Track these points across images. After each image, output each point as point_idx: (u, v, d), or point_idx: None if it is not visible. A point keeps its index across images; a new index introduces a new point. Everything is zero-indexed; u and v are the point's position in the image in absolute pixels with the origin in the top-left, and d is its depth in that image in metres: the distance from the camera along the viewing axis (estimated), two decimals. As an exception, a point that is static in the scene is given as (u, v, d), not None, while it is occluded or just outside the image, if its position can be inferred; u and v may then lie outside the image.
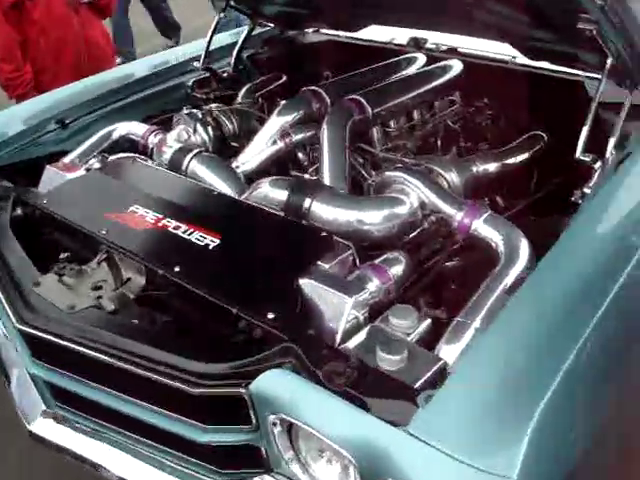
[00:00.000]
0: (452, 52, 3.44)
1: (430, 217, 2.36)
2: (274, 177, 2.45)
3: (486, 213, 2.23)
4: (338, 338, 1.69)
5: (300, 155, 3.01)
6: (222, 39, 3.78)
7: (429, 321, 1.74)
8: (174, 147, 2.75)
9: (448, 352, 1.63)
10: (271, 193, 2.37)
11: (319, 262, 1.91)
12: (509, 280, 1.88)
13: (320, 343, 1.64)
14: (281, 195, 2.36)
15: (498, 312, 1.63)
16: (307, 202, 2.31)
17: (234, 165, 2.75)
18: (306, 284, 1.83)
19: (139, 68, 3.53)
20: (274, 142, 2.91)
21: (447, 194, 2.37)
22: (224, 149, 3.08)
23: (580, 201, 2.12)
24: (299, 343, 1.60)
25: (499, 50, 3.10)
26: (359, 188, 2.66)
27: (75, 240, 2.34)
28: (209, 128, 3.05)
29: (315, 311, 1.77)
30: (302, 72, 3.68)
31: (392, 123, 3.07)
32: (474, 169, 2.64)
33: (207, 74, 3.58)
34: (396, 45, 3.46)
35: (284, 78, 3.70)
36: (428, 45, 3.34)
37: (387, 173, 2.47)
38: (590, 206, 2.05)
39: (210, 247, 2.04)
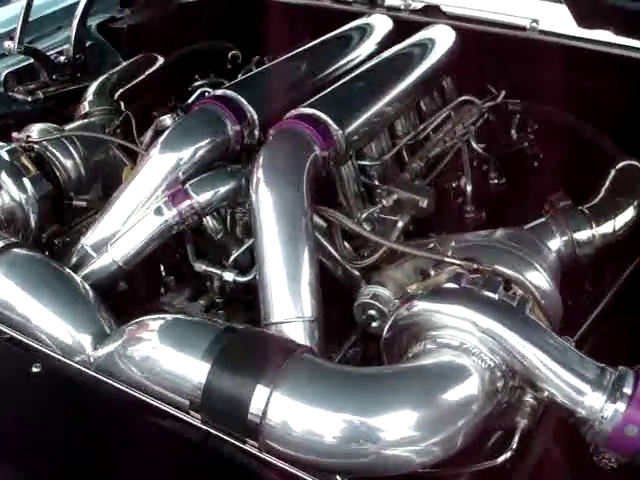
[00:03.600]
0: (433, 12, 2.08)
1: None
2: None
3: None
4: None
5: (209, 224, 1.58)
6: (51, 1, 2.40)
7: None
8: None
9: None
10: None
11: None
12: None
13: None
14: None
15: None
16: (259, 400, 0.97)
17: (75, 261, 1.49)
18: None
19: None
20: (158, 210, 1.45)
21: (574, 356, 1.06)
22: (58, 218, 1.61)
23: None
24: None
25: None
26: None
27: None
28: (25, 181, 1.56)
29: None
30: (194, 51, 2.40)
31: (370, 150, 1.68)
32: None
33: (30, 60, 2.22)
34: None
35: (160, 61, 2.29)
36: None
37: (421, 304, 1.11)
38: None
39: None
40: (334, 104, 1.59)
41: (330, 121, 1.50)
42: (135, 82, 2.21)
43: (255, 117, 1.61)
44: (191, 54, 2.43)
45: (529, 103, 1.89)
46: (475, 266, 1.19)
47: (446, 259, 1.24)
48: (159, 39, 2.45)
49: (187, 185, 1.49)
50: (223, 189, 1.50)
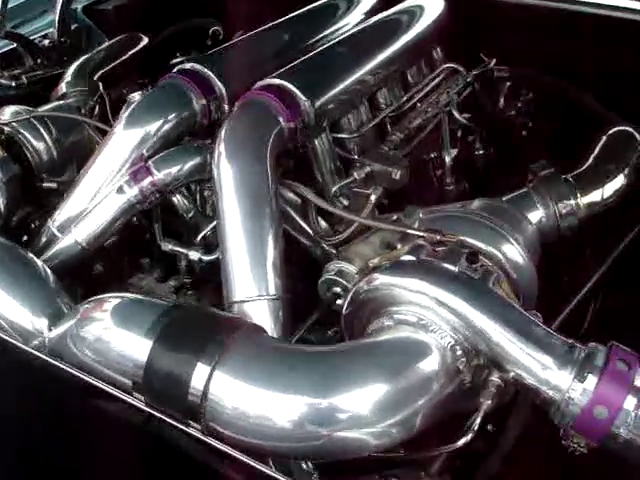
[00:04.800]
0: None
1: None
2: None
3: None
4: None
5: (179, 202, 1.52)
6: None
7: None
8: None
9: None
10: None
11: None
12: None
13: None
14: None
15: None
16: (200, 379, 0.92)
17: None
18: None
19: None
20: (120, 189, 1.40)
21: (541, 332, 0.99)
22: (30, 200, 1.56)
23: None
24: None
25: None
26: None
27: None
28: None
29: None
30: (180, 30, 2.35)
31: (348, 122, 1.60)
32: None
33: (13, 44, 2.16)
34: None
35: (145, 41, 2.23)
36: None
37: (380, 277, 1.04)
38: None
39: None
40: (305, 74, 1.52)
41: (297, 91, 1.42)
42: (116, 63, 2.16)
43: (223, 91, 1.54)
44: (177, 33, 2.37)
45: (518, 70, 1.79)
46: (438, 237, 1.11)
47: (408, 230, 1.16)
48: (146, 19, 2.38)
49: (150, 162, 1.43)
50: (187, 165, 1.44)
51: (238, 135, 1.36)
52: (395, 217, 1.27)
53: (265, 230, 1.30)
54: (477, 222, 1.21)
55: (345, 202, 1.55)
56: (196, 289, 1.52)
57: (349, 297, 1.14)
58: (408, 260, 1.07)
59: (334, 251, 1.48)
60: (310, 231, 1.49)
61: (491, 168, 1.75)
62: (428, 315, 1.03)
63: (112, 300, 1.16)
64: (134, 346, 1.07)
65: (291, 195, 1.53)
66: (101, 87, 2.00)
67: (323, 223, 1.55)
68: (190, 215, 1.56)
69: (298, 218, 1.51)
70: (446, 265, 1.04)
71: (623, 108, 1.63)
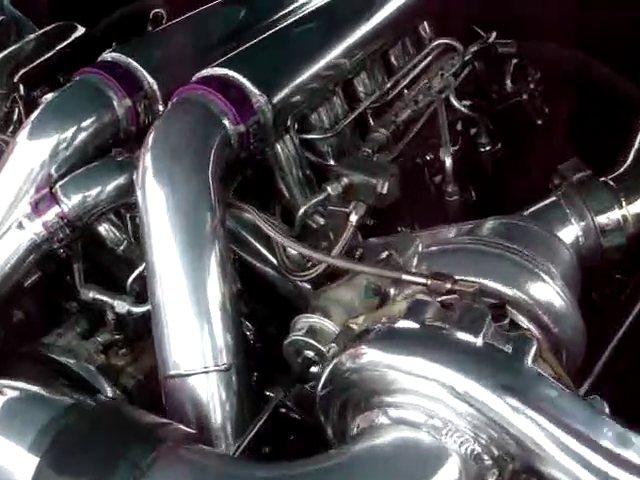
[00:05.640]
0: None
1: None
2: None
3: None
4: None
5: (107, 232, 1.19)
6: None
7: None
8: None
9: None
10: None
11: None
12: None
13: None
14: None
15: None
16: None
17: None
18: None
19: None
20: (20, 224, 1.06)
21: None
22: None
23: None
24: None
25: None
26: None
27: None
28: None
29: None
30: (123, 17, 1.97)
31: (320, 118, 1.26)
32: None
33: None
34: None
35: (79, 31, 1.86)
36: None
37: (368, 352, 0.70)
38: None
39: None
40: (259, 60, 1.17)
41: (247, 83, 1.08)
42: (44, 58, 1.81)
43: (155, 87, 1.19)
44: (119, 20, 2.01)
45: (527, 43, 1.44)
46: (448, 286, 0.77)
47: (404, 277, 0.82)
48: (85, 7, 2.03)
49: (57, 186, 1.08)
50: (108, 187, 1.10)
51: (169, 145, 1.02)
52: (385, 253, 0.92)
53: (209, 273, 0.96)
54: (497, 256, 0.87)
55: (321, 221, 1.21)
56: (130, 346, 1.18)
57: (325, 376, 0.80)
58: (408, 327, 0.73)
59: (308, 286, 1.16)
60: (274, 260, 1.16)
61: (501, 168, 1.40)
62: (440, 411, 0.69)
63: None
64: (16, 464, 0.74)
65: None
66: (22, 88, 1.66)
67: (292, 250, 1.22)
68: (121, 248, 1.22)
69: (259, 245, 1.17)
70: (464, 335, 0.70)
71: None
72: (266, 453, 1.12)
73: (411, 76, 1.43)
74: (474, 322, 0.71)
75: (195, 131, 1.03)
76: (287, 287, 1.20)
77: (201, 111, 1.04)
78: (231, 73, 1.08)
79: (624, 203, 1.06)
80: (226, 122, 1.04)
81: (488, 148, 1.37)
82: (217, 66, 1.11)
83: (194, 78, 1.11)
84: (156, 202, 0.98)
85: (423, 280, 0.79)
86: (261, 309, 1.23)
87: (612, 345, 1.13)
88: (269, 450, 1.12)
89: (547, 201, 1.07)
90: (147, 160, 1.00)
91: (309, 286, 1.16)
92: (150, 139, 1.02)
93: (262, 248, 1.17)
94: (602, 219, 1.04)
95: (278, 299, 1.23)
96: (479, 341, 0.69)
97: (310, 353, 0.92)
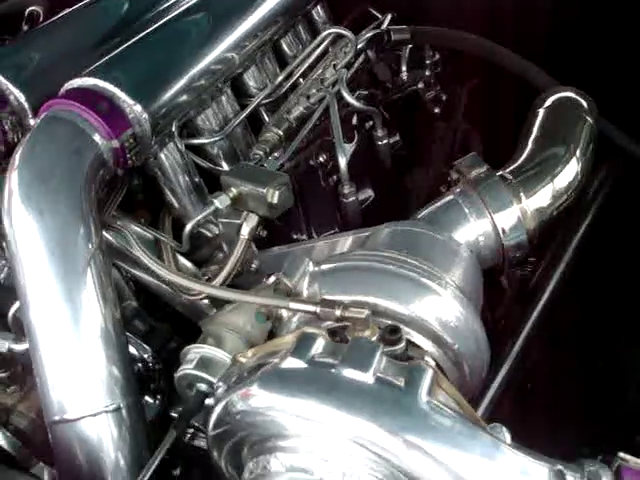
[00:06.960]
0: None
1: None
2: None
3: None
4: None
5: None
6: None
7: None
8: None
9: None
10: None
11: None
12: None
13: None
14: None
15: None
16: None
17: None
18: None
19: None
20: None
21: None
22: None
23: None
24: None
25: None
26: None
27: None
28: None
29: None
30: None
31: (207, 120, 1.19)
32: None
33: None
34: None
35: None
36: None
37: (258, 394, 0.65)
38: None
39: None
40: (131, 65, 1.08)
41: (120, 93, 0.99)
42: None
43: (22, 100, 1.08)
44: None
45: (422, 28, 1.39)
46: (338, 313, 0.72)
47: (292, 305, 0.76)
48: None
49: None
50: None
51: (36, 167, 0.93)
52: (272, 278, 0.86)
53: (88, 304, 0.89)
54: (390, 273, 0.82)
55: (216, 229, 1.14)
56: (20, 383, 1.09)
57: (215, 416, 0.74)
58: (295, 367, 0.67)
59: (206, 301, 1.10)
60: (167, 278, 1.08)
61: (401, 163, 1.35)
62: (334, 454, 0.64)
63: None
64: None
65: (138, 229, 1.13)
66: None
67: (188, 263, 1.15)
68: (2, 276, 1.13)
69: (150, 263, 1.09)
70: (353, 372, 0.65)
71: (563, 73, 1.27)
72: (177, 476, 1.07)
73: (305, 65, 1.36)
74: (364, 356, 0.66)
75: (64, 151, 0.94)
76: (184, 304, 1.13)
77: (70, 128, 0.95)
78: (101, 83, 0.99)
79: (523, 198, 1.03)
80: (97, 138, 0.95)
81: (385, 141, 1.32)
82: (87, 75, 1.02)
83: (62, 90, 1.01)
84: (24, 230, 0.90)
85: (312, 308, 0.74)
86: (160, 327, 1.16)
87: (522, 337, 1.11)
88: (180, 472, 1.07)
89: (445, 199, 1.03)
90: (13, 184, 0.91)
91: (206, 301, 1.11)
92: (17, 161, 0.93)
93: (154, 265, 1.10)
94: (501, 217, 1.00)
95: (179, 314, 1.17)
96: (370, 378, 0.65)
97: (203, 386, 0.86)
